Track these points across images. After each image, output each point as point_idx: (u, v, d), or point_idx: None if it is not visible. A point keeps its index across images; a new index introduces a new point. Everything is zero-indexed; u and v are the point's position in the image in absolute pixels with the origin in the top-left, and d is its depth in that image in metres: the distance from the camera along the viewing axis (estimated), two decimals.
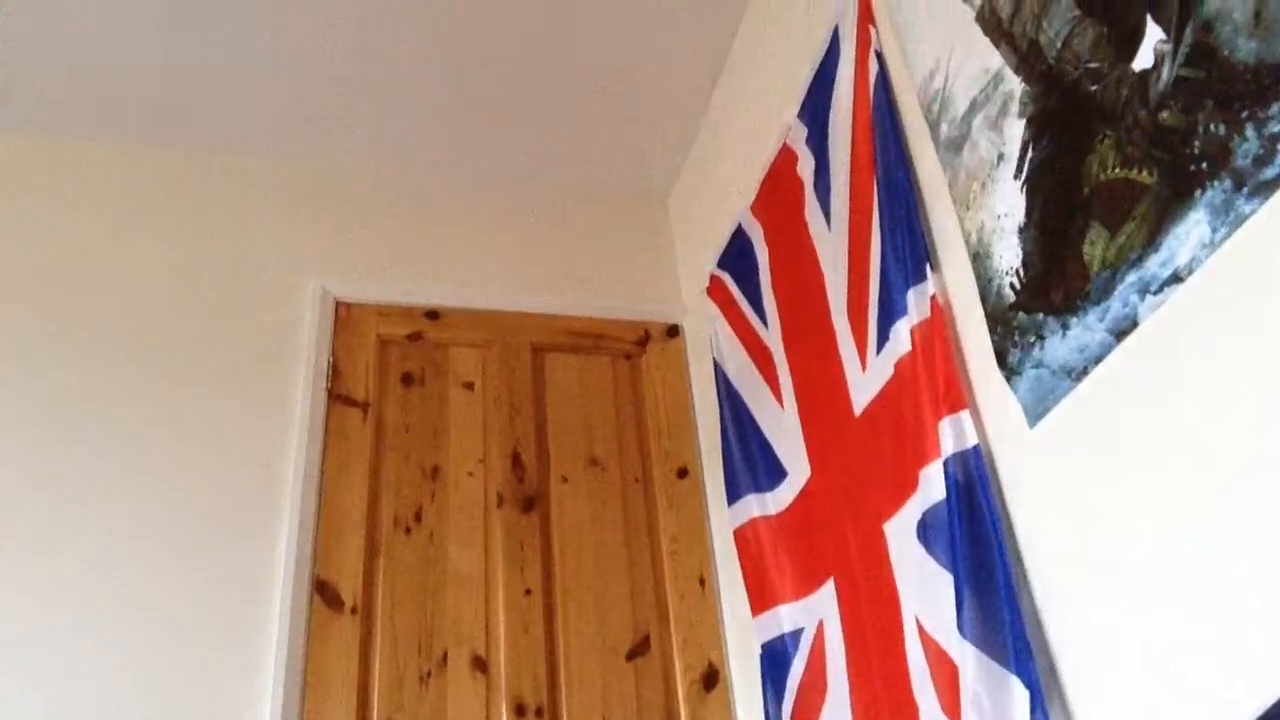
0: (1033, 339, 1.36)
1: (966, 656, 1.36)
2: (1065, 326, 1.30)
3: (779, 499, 2.11)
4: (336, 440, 2.38)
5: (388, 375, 2.53)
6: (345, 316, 2.58)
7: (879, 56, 1.80)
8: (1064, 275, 1.31)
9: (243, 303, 2.52)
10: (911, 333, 1.60)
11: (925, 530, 1.54)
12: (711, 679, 2.32)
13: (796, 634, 1.98)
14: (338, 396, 2.44)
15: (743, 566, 2.20)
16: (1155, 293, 1.15)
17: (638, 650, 2.32)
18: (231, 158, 2.77)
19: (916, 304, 1.60)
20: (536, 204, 2.97)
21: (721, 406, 2.39)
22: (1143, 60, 1.19)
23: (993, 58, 1.49)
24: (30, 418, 2.23)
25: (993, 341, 1.45)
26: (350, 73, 2.60)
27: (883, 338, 1.72)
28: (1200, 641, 1.09)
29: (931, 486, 1.52)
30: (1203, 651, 1.08)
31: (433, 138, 2.83)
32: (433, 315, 2.64)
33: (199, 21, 2.42)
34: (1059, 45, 1.35)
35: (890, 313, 1.69)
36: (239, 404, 2.36)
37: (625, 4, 2.47)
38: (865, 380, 1.78)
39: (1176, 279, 1.12)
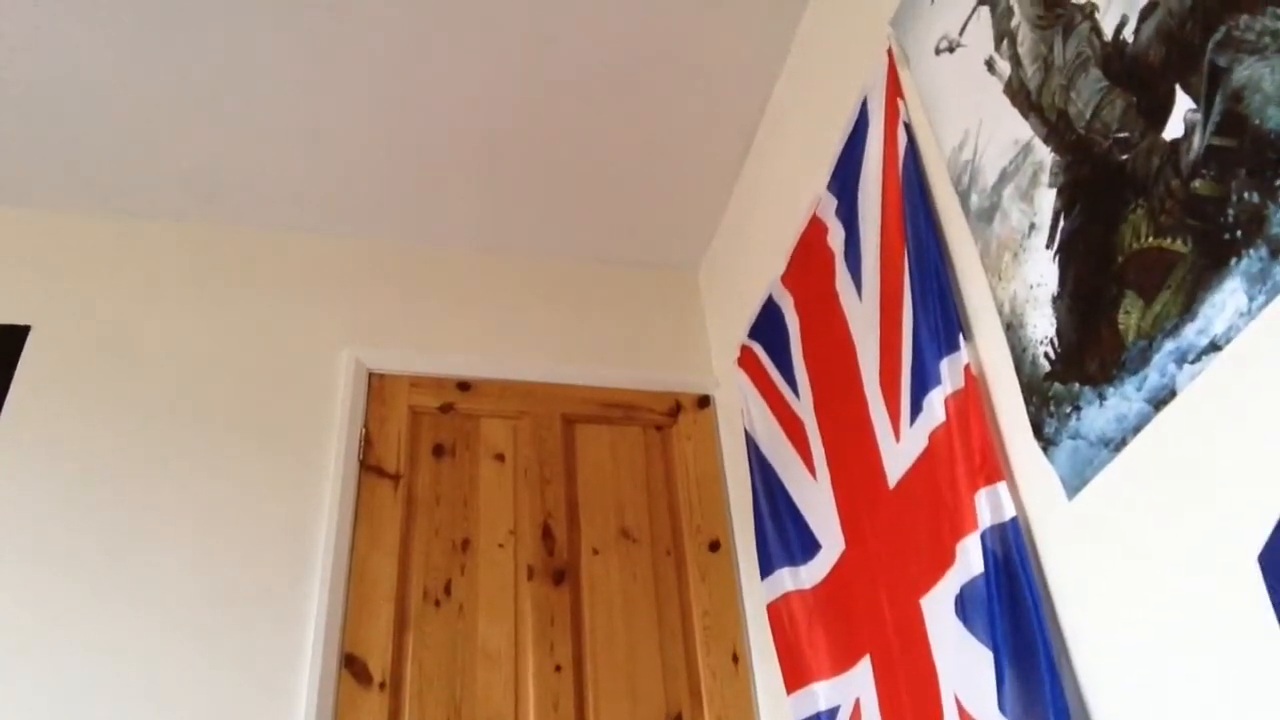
0: (1069, 409, 1.34)
1: None
2: (1102, 396, 1.28)
3: (813, 573, 2.07)
4: (367, 512, 2.38)
5: (419, 446, 2.53)
6: (378, 387, 2.59)
7: (908, 128, 1.81)
8: (1099, 345, 1.29)
9: (277, 373, 2.55)
10: (946, 403, 1.58)
11: (963, 605, 1.51)
12: None
13: (833, 712, 1.93)
14: (369, 467, 2.45)
15: (776, 642, 2.15)
16: (1193, 362, 1.13)
17: None
18: (267, 233, 2.83)
19: (950, 374, 1.58)
20: (567, 276, 3.00)
21: (753, 478, 2.37)
22: (1173, 129, 1.19)
23: (1022, 129, 1.49)
24: (64, 488, 2.25)
25: (1028, 412, 1.43)
26: (383, 150, 2.66)
27: (916, 408, 1.70)
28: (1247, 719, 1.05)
29: (969, 560, 1.48)
30: None
31: (464, 212, 2.87)
32: (464, 386, 2.65)
33: (239, 105, 2.49)
34: (1088, 115, 1.35)
35: (924, 383, 1.67)
36: (272, 474, 2.37)
37: (655, 78, 2.51)
38: (899, 451, 1.76)
39: (1214, 347, 1.10)
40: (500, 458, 2.57)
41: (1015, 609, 1.37)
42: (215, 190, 2.72)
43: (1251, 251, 1.05)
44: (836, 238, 2.10)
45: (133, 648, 2.09)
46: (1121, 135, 1.28)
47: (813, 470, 2.12)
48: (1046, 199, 1.43)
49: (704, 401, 2.81)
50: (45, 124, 2.50)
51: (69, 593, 2.12)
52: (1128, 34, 1.28)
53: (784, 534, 2.18)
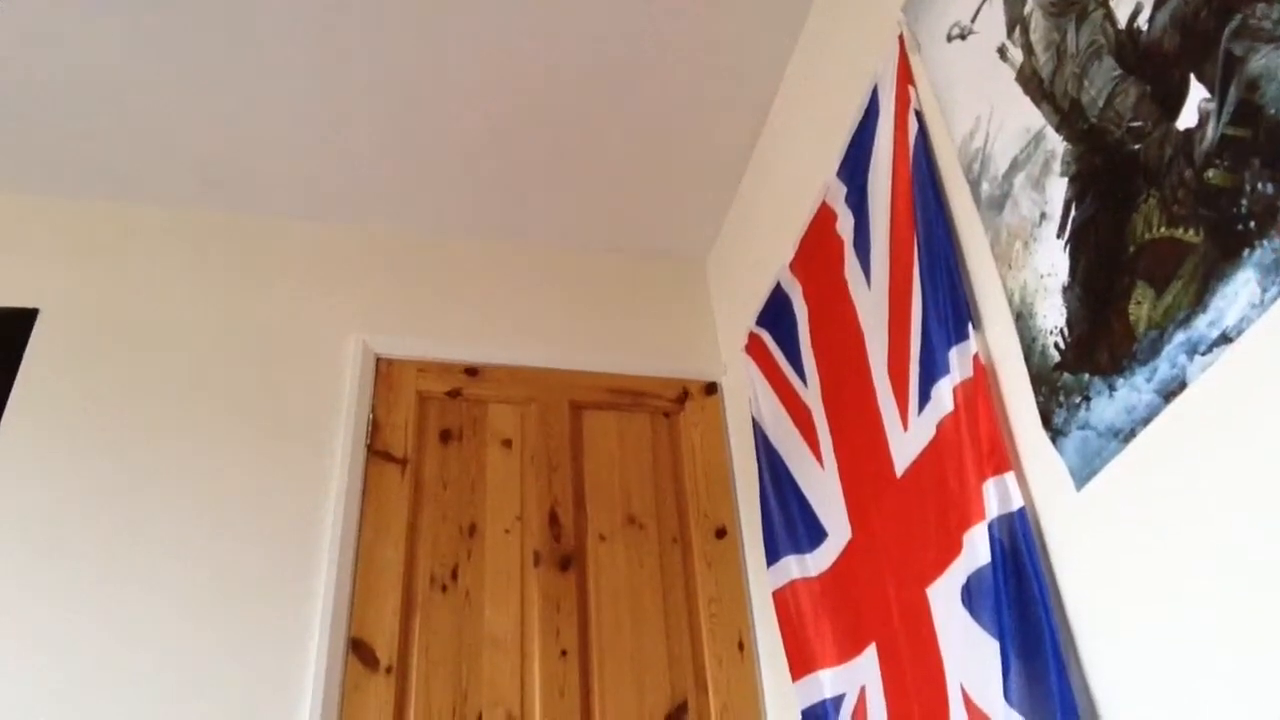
0: (1078, 400, 1.34)
1: None
2: (1112, 387, 1.27)
3: (819, 561, 2.07)
4: (374, 496, 2.39)
5: (426, 431, 2.54)
6: (386, 372, 2.59)
7: (919, 115, 1.80)
8: (1109, 335, 1.29)
9: (285, 358, 2.55)
10: (954, 392, 1.58)
11: (970, 595, 1.51)
12: None
13: (838, 700, 1.93)
14: (377, 452, 2.45)
15: (782, 630, 2.16)
16: (1204, 353, 1.12)
17: (675, 716, 2.27)
18: (275, 220, 2.83)
19: (959, 363, 1.58)
20: (575, 262, 2.99)
21: (760, 465, 2.37)
22: (1187, 119, 1.18)
23: (1034, 117, 1.48)
24: (70, 473, 2.26)
25: (1037, 402, 1.43)
26: (391, 138, 2.65)
27: (924, 397, 1.69)
28: (1254, 711, 1.04)
29: (976, 550, 1.48)
30: None
31: (472, 199, 2.86)
32: (472, 372, 2.65)
33: (247, 94, 2.48)
34: (1101, 104, 1.34)
35: (932, 372, 1.66)
36: (279, 458, 2.38)
37: (663, 64, 2.50)
38: (907, 440, 1.76)
39: (1226, 339, 1.09)
40: (507, 443, 2.57)
41: (1022, 599, 1.37)
42: (223, 177, 2.72)
43: (1265, 243, 1.04)
44: (846, 225, 2.09)
45: (140, 631, 2.10)
46: (1134, 124, 1.27)
47: (820, 458, 2.12)
48: (1058, 188, 1.42)
49: (711, 388, 2.80)
50: (57, 112, 2.50)
51: (76, 577, 2.13)
52: (1142, 22, 1.27)
53: (790, 521, 2.18)
